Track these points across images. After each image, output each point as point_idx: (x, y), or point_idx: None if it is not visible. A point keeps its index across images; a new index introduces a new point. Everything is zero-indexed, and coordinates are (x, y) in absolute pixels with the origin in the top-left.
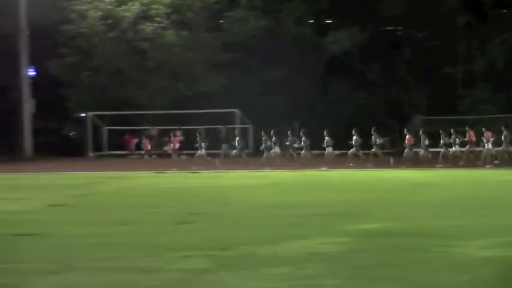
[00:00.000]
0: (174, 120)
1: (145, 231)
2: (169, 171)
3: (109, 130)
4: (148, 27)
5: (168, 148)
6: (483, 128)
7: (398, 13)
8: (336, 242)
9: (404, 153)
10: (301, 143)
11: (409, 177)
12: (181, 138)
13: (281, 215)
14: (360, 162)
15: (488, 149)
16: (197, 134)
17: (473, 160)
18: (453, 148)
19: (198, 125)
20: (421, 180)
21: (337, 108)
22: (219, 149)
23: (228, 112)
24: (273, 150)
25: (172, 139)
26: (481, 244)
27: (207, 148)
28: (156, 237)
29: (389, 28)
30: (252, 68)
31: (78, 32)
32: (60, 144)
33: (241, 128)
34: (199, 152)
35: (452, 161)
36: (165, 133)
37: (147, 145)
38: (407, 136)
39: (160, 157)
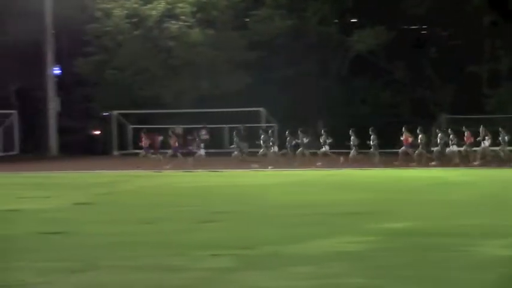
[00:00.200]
0: (199, 118)
1: (169, 230)
2: (198, 170)
3: (134, 129)
4: (173, 26)
5: (193, 147)
6: (481, 127)
7: (423, 12)
8: (359, 241)
9: (400, 151)
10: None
11: (431, 177)
12: (207, 137)
13: (305, 213)
14: (380, 161)
15: (485, 147)
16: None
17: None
18: (451, 147)
19: (224, 124)
20: (442, 180)
21: (361, 108)
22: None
23: (253, 111)
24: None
25: (196, 138)
26: (501, 243)
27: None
28: (180, 236)
29: (414, 27)
30: (276, 66)
31: (104, 30)
32: (85, 143)
33: (266, 126)
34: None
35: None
36: (190, 132)
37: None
38: (404, 134)
39: (185, 156)
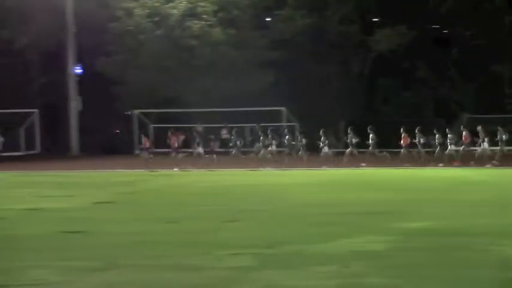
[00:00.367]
0: (220, 118)
1: (191, 229)
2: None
3: (155, 128)
4: (195, 25)
5: (215, 146)
6: (479, 127)
7: (445, 11)
8: (381, 240)
9: (401, 153)
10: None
11: (452, 176)
12: (227, 136)
13: (326, 213)
14: (397, 161)
15: (484, 148)
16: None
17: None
18: (449, 147)
19: (245, 123)
20: (464, 179)
21: (383, 107)
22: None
23: (275, 110)
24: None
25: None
26: None
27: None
28: (202, 235)
29: (436, 26)
30: (298, 66)
31: (125, 29)
32: (106, 142)
33: (288, 126)
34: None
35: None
36: (211, 131)
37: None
38: (403, 135)
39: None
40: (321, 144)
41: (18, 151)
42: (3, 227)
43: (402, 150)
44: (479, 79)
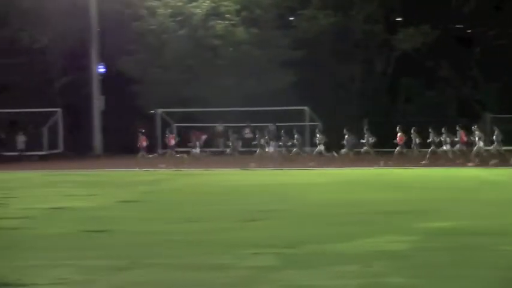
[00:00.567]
0: (243, 117)
1: (213, 229)
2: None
3: (178, 127)
4: (218, 25)
5: (238, 145)
6: (474, 127)
7: (468, 11)
8: (404, 240)
9: (396, 151)
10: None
11: (476, 176)
12: (250, 135)
13: (348, 212)
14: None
15: (479, 147)
16: (265, 132)
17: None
18: (444, 147)
19: (268, 123)
20: (487, 179)
21: (406, 106)
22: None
23: (297, 109)
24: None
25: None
26: None
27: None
28: (224, 234)
29: (459, 26)
30: (321, 65)
31: (148, 29)
32: (129, 141)
33: (310, 125)
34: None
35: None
36: (233, 130)
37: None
38: (398, 134)
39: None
40: (317, 142)
41: (41, 150)
42: (27, 226)
43: (397, 148)
44: (503, 79)
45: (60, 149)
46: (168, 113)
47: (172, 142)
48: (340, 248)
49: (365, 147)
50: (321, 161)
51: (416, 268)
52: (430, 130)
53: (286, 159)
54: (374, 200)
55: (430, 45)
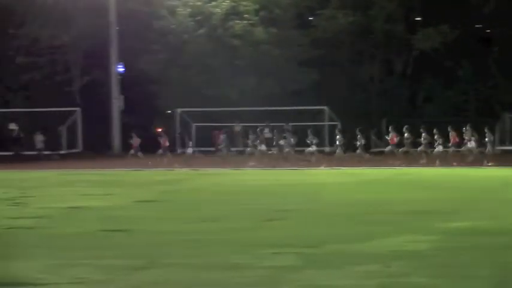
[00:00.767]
0: (263, 117)
1: (233, 228)
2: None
3: (197, 127)
4: (238, 25)
5: (257, 145)
6: (465, 128)
7: (488, 11)
8: (423, 240)
9: (386, 151)
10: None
11: (496, 176)
12: (269, 135)
13: (368, 212)
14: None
15: (470, 147)
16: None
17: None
18: (436, 148)
19: (287, 122)
20: (506, 179)
21: (426, 106)
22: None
23: (317, 109)
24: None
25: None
26: None
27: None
28: (244, 234)
29: (479, 26)
30: (340, 65)
31: (168, 28)
32: (148, 141)
33: (329, 125)
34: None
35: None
36: (252, 130)
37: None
38: (390, 134)
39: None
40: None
41: (60, 150)
42: (45, 225)
43: (388, 147)
44: None
45: (79, 148)
46: (187, 113)
47: (167, 143)
48: (360, 248)
49: (389, 147)
50: (339, 160)
51: (435, 268)
52: (434, 131)
53: (300, 159)
54: (393, 199)
55: (449, 45)
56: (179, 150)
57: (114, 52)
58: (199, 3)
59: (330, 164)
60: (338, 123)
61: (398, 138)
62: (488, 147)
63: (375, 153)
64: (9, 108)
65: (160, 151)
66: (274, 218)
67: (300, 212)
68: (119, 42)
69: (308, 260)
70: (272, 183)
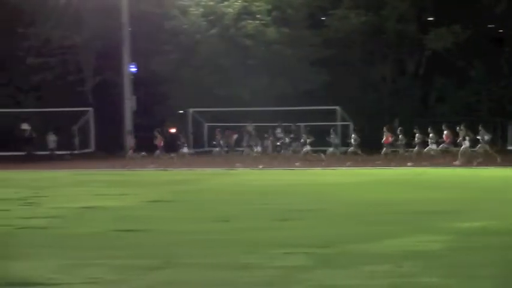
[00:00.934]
0: (275, 117)
1: (245, 228)
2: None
3: (209, 127)
4: (250, 24)
5: (269, 145)
6: (459, 127)
7: (500, 11)
8: (435, 240)
9: (383, 151)
10: (402, 140)
11: (507, 176)
12: (281, 135)
13: (379, 212)
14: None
15: (465, 147)
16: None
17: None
18: (430, 146)
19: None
20: None
21: (438, 106)
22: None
23: (329, 109)
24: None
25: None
26: None
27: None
28: (256, 234)
29: (491, 26)
30: (352, 65)
31: (180, 28)
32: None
33: (342, 125)
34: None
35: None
36: (264, 130)
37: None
38: (385, 134)
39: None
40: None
41: (73, 150)
42: (58, 225)
43: (384, 148)
44: None
45: (92, 148)
46: (199, 113)
47: (162, 143)
48: (371, 248)
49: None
50: (356, 161)
51: (447, 268)
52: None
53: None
54: (404, 199)
55: (461, 45)
56: (191, 151)
57: (126, 53)
58: (211, 3)
59: (354, 164)
60: (350, 123)
61: (393, 138)
62: (480, 146)
63: (386, 154)
64: (20, 108)
65: (157, 152)
66: (287, 218)
67: (312, 212)
68: (131, 43)
69: (319, 260)
70: (285, 183)
